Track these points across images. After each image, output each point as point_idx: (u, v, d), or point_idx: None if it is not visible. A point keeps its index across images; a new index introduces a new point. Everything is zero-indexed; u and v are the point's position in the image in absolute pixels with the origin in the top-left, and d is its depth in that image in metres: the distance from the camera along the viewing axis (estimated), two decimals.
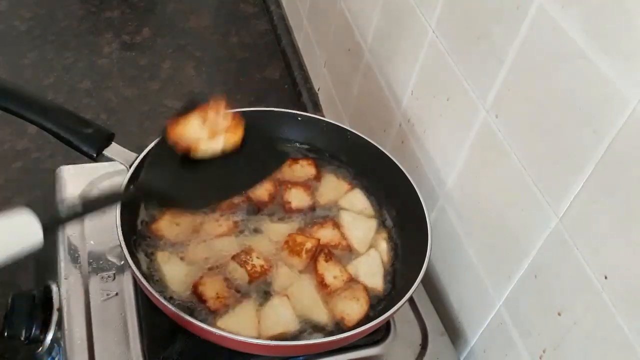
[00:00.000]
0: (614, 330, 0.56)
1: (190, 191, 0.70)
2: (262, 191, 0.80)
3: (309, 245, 0.74)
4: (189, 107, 0.72)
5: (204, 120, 0.70)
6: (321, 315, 0.70)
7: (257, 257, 0.72)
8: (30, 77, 1.50)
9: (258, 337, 0.66)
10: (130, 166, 0.74)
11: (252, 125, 0.74)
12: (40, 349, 0.75)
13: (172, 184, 0.70)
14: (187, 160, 0.70)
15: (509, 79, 0.69)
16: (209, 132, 0.70)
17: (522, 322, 0.70)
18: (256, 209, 0.79)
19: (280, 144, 0.86)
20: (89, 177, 0.87)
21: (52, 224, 0.57)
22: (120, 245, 0.66)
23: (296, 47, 1.54)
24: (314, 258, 0.74)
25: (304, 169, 0.84)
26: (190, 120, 0.71)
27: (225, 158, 0.71)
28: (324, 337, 0.68)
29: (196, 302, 0.69)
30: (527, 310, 0.69)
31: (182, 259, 0.72)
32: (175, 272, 0.71)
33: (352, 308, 0.70)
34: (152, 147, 0.73)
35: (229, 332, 0.63)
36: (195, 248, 0.73)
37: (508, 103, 0.70)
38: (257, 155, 0.73)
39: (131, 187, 0.72)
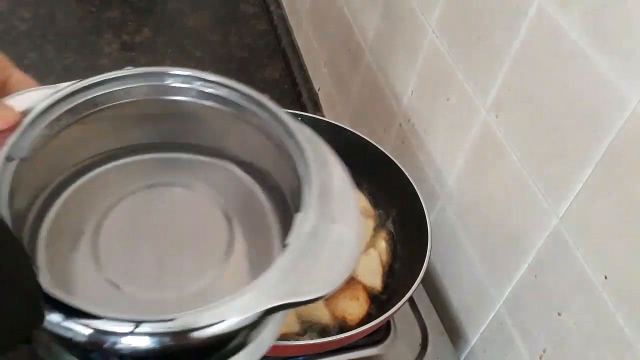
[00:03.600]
0: (614, 330, 0.56)
1: None
2: None
3: None
4: None
5: None
6: (322, 315, 0.70)
7: None
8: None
9: None
10: None
11: None
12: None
13: None
14: None
15: (509, 79, 0.69)
16: None
17: (522, 322, 0.70)
18: None
19: None
20: None
21: None
22: None
23: (296, 47, 1.54)
24: None
25: None
26: None
27: None
28: (324, 337, 0.68)
29: None
30: (527, 310, 0.69)
31: None
32: None
33: (353, 308, 0.71)
34: None
35: None
36: None
37: (508, 103, 0.70)
38: None
39: None
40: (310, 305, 0.70)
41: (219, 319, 0.39)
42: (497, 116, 0.72)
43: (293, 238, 0.45)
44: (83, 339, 0.38)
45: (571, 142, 0.60)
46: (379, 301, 0.73)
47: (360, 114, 1.15)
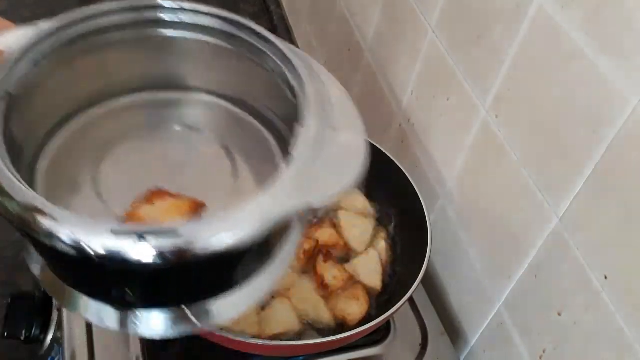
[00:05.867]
0: (614, 330, 0.56)
1: None
2: None
3: (306, 246, 0.73)
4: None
5: None
6: (322, 315, 0.70)
7: None
8: None
9: (258, 337, 0.66)
10: None
11: None
12: (40, 349, 0.75)
13: None
14: None
15: (509, 79, 0.69)
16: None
17: (522, 322, 0.70)
18: None
19: None
20: None
21: None
22: None
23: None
24: (312, 259, 0.73)
25: None
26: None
27: None
28: (324, 337, 0.68)
29: None
30: (527, 310, 0.69)
31: None
32: None
33: (353, 308, 0.70)
34: None
35: (229, 332, 0.63)
36: None
37: (508, 103, 0.70)
38: None
39: None
40: (310, 305, 0.71)
41: (239, 225, 0.38)
42: (497, 116, 0.72)
43: (297, 147, 0.44)
44: (90, 250, 0.37)
45: (571, 142, 0.60)
46: (379, 301, 0.73)
47: (360, 114, 1.14)
